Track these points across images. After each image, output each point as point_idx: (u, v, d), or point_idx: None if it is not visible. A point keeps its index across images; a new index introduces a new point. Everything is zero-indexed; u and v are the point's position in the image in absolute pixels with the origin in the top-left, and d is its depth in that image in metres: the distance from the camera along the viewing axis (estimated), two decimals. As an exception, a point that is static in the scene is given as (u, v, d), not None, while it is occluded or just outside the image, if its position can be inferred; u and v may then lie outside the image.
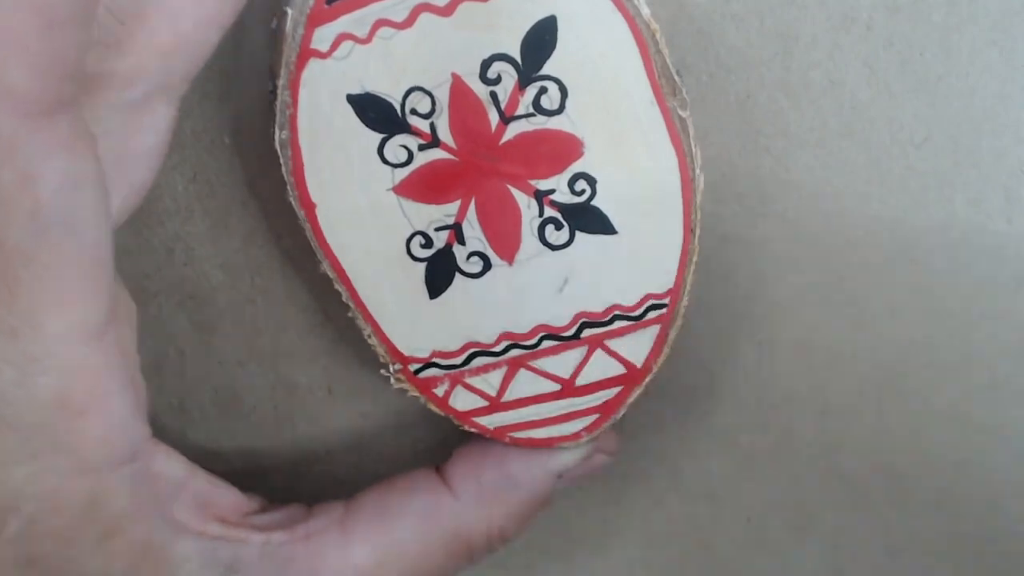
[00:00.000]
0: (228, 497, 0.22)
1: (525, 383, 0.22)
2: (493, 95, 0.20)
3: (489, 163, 0.21)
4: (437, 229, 0.21)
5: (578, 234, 0.21)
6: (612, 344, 0.22)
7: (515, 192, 0.21)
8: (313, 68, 0.20)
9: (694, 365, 0.26)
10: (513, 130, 0.20)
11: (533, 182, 0.21)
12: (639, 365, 0.22)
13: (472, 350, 0.22)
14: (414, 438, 0.25)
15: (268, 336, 0.25)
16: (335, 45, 0.20)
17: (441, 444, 0.25)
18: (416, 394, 0.23)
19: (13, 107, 0.15)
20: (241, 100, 0.23)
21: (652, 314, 0.22)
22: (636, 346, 0.22)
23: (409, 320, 0.22)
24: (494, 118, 0.20)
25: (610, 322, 0.22)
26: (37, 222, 0.16)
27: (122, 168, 0.19)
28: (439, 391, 0.23)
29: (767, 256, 0.24)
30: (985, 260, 0.24)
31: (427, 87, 0.20)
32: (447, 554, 0.22)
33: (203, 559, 0.20)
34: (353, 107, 0.20)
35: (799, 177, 0.23)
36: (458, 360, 0.22)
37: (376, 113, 0.20)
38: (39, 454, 0.18)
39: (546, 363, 0.22)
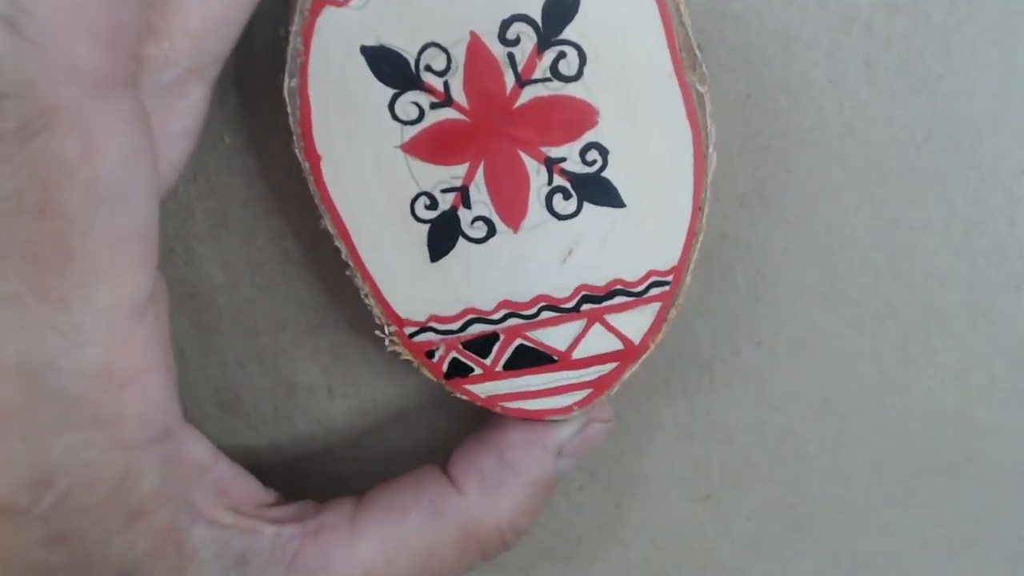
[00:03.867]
0: (245, 487, 0.22)
1: (521, 353, 0.22)
2: (511, 56, 0.20)
3: (501, 126, 0.20)
4: (443, 191, 0.21)
5: (586, 205, 0.21)
6: (611, 319, 0.22)
7: (525, 158, 0.20)
8: (328, 16, 0.19)
9: (694, 365, 0.25)
10: (528, 94, 0.20)
11: (544, 149, 0.20)
12: (636, 342, 0.22)
13: (470, 316, 0.22)
14: (414, 438, 0.25)
15: (268, 336, 0.24)
16: (352, -6, 0.19)
17: (442, 444, 0.25)
18: (409, 358, 0.22)
19: (79, 80, 0.16)
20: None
21: (654, 291, 0.21)
22: (635, 323, 0.22)
23: (408, 282, 0.21)
24: (510, 80, 0.20)
25: (611, 296, 0.22)
26: (95, 193, 0.16)
27: (159, 150, 0.19)
28: (433, 356, 0.22)
29: (767, 256, 0.24)
30: (985, 260, 0.24)
31: (444, 44, 0.19)
32: (457, 550, 0.22)
33: (217, 548, 0.20)
34: (367, 59, 0.20)
35: (799, 177, 0.23)
36: (455, 326, 0.22)
37: (390, 67, 0.20)
38: (79, 426, 0.17)
39: (544, 334, 0.22)
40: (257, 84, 0.22)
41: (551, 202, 0.21)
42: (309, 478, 0.26)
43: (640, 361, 0.22)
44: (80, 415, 0.17)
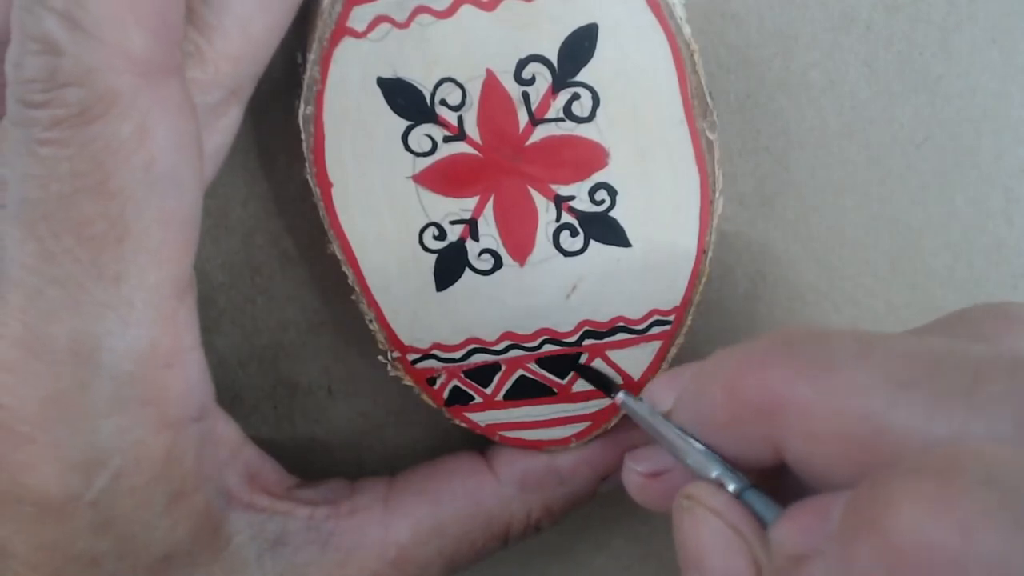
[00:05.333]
0: (273, 470, 0.22)
1: (521, 384, 0.22)
2: (525, 95, 0.20)
3: (512, 163, 0.20)
4: (452, 222, 0.21)
5: (592, 243, 0.21)
6: (612, 355, 0.22)
7: (535, 194, 0.21)
8: (346, 46, 0.19)
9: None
10: (541, 133, 0.20)
11: (554, 186, 0.21)
12: (636, 378, 0.22)
13: (472, 346, 0.22)
14: (414, 438, 0.25)
15: (268, 336, 0.24)
16: (372, 26, 0.19)
17: (442, 444, 0.25)
18: (410, 384, 0.23)
19: (133, 67, 0.16)
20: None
21: (655, 330, 0.22)
22: (635, 360, 0.22)
23: (413, 310, 0.22)
24: (523, 118, 0.20)
25: (613, 333, 0.22)
26: (150, 175, 0.17)
27: None
28: (434, 383, 0.23)
29: (767, 256, 0.24)
30: (985, 260, 0.24)
31: (460, 79, 0.20)
32: (486, 535, 0.23)
33: (253, 531, 0.20)
34: (383, 90, 0.20)
35: (799, 177, 0.23)
36: (457, 355, 0.22)
37: (405, 99, 0.20)
38: (128, 405, 0.18)
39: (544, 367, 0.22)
40: (257, 89, 0.22)
41: (558, 238, 0.21)
42: (309, 478, 0.26)
43: (639, 398, 0.23)
44: (129, 394, 0.18)
